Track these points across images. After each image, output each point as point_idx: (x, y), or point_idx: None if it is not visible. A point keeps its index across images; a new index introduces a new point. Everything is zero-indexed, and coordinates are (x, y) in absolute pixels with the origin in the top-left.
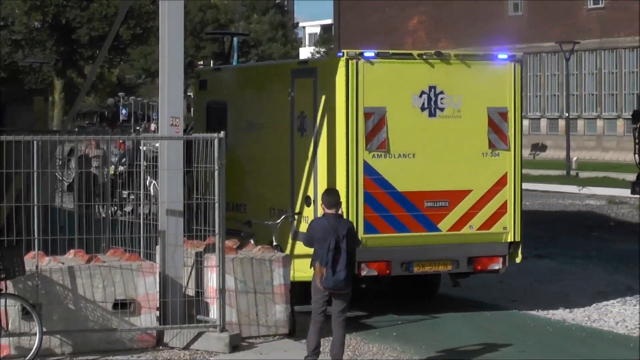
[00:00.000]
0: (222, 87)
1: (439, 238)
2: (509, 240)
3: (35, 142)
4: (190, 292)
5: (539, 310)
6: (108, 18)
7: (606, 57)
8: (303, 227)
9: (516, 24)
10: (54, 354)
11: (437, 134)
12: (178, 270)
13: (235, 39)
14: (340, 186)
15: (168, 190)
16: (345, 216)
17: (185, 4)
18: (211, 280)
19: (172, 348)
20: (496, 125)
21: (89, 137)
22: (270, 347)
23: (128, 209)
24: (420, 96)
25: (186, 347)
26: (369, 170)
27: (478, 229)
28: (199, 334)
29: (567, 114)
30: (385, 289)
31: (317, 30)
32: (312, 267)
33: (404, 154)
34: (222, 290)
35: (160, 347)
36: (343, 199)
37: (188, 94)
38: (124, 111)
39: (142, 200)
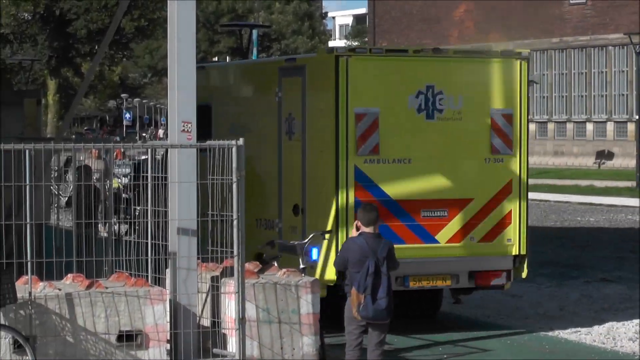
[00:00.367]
0: (206, 88)
1: (436, 250)
2: (513, 254)
3: (27, 151)
4: (205, 322)
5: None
6: (108, 8)
7: None
8: (289, 237)
9: (579, 13)
10: None
11: (435, 138)
12: (191, 297)
13: (254, 32)
14: (329, 193)
15: (179, 206)
16: (334, 226)
17: None
18: (229, 308)
19: None
20: (500, 128)
21: (89, 145)
22: None
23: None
24: (417, 97)
25: None
26: (360, 176)
27: (480, 241)
28: None
29: (637, 117)
30: None
31: (349, 21)
32: (347, 294)
33: (398, 159)
34: (241, 320)
35: None
36: (331, 207)
37: None
38: (127, 115)
39: (149, 218)
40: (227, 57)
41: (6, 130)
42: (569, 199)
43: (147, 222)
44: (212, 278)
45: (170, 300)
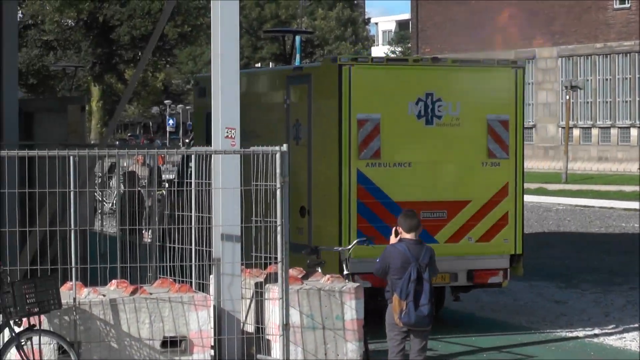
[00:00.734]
0: None
1: (436, 250)
2: (510, 253)
3: (71, 157)
4: (249, 328)
5: None
6: (152, 15)
7: None
8: (296, 238)
9: (623, 18)
10: None
11: (434, 143)
12: (235, 303)
13: (297, 38)
14: (332, 195)
15: (224, 212)
16: (337, 226)
17: None
18: (273, 314)
19: None
20: (496, 133)
21: (133, 151)
22: None
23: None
24: (417, 103)
25: None
26: (362, 179)
27: (477, 241)
28: None
29: None
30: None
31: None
32: (388, 301)
33: (399, 163)
34: (286, 326)
35: None
36: (335, 209)
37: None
38: (170, 121)
39: (194, 224)
40: (270, 63)
41: (50, 137)
42: (614, 204)
43: (190, 228)
44: (256, 284)
45: (214, 306)
